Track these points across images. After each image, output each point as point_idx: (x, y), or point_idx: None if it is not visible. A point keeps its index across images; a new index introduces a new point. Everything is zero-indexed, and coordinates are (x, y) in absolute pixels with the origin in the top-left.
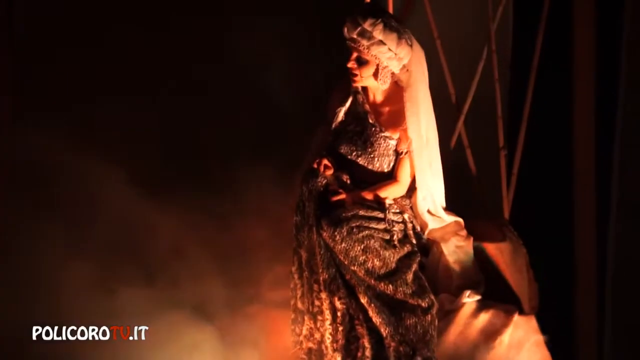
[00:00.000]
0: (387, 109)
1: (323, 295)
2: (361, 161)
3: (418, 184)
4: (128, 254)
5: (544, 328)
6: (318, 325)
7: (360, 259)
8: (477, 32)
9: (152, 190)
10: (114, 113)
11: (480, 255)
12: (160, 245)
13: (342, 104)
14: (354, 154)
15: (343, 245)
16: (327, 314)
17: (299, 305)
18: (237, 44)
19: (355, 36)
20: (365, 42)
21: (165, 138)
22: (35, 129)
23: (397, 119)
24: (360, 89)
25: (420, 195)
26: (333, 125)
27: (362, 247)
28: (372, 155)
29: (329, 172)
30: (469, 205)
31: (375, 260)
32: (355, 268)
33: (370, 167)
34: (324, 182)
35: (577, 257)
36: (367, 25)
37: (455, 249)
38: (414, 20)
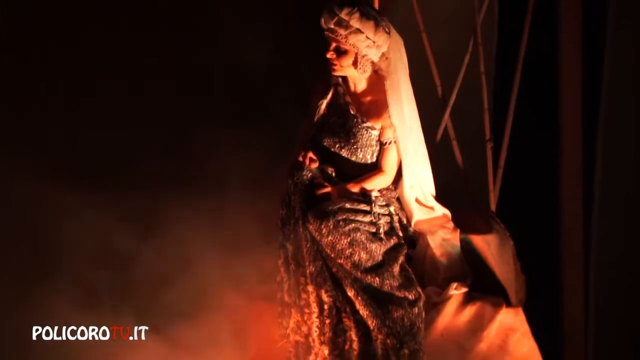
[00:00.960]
0: (368, 99)
1: (310, 288)
2: (344, 153)
3: (404, 172)
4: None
5: (530, 319)
6: (305, 318)
7: (347, 252)
8: (462, 25)
9: (147, 185)
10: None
11: (467, 247)
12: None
13: (324, 96)
14: (337, 146)
15: (329, 238)
16: (314, 307)
17: (286, 298)
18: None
19: (332, 26)
20: (342, 32)
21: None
22: None
23: (378, 109)
24: (340, 80)
25: (406, 183)
26: (315, 118)
27: (348, 240)
28: (355, 147)
29: (314, 165)
30: (456, 197)
31: (362, 253)
32: (342, 261)
33: (353, 158)
34: (309, 175)
35: (564, 249)
36: (343, 15)
37: (442, 242)
38: (400, 13)
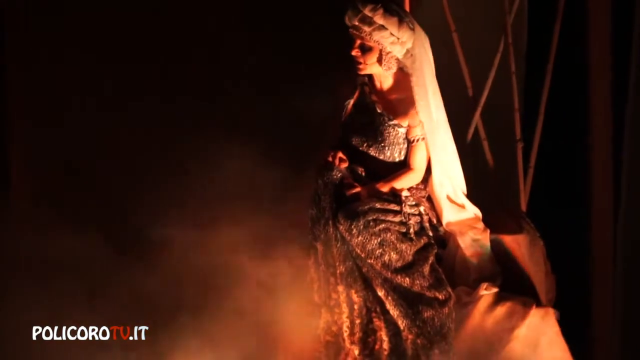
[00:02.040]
0: (394, 97)
1: (340, 288)
2: (372, 152)
3: (434, 169)
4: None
5: (560, 320)
6: (335, 318)
7: (377, 252)
8: (493, 25)
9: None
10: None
11: (497, 247)
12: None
13: (350, 96)
14: (364, 145)
15: (360, 238)
16: (344, 307)
17: (316, 298)
18: None
19: (357, 23)
20: (367, 28)
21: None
22: None
23: (405, 107)
24: (366, 79)
25: (436, 180)
26: (343, 119)
27: (378, 240)
28: (382, 145)
29: (344, 164)
30: (486, 197)
31: (392, 253)
32: (372, 261)
33: (381, 157)
34: (339, 175)
35: (594, 249)
36: (367, 11)
37: (472, 242)
38: (431, 14)
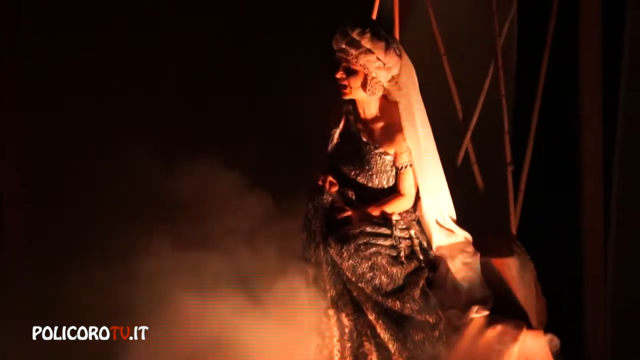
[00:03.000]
0: (379, 124)
1: (330, 312)
2: (361, 180)
3: (422, 194)
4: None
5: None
6: (326, 342)
7: (368, 275)
8: (483, 48)
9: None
10: None
11: (488, 270)
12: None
13: (336, 125)
14: (352, 173)
15: (350, 262)
16: (335, 331)
17: (307, 322)
18: None
19: (344, 46)
20: (353, 51)
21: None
22: None
23: (391, 134)
24: (351, 108)
25: (425, 205)
26: (329, 148)
27: (369, 264)
28: (370, 173)
29: (334, 188)
30: (477, 221)
31: (383, 277)
32: (363, 285)
33: (370, 184)
34: (329, 199)
35: (586, 272)
36: (355, 35)
37: (462, 266)
38: (421, 37)
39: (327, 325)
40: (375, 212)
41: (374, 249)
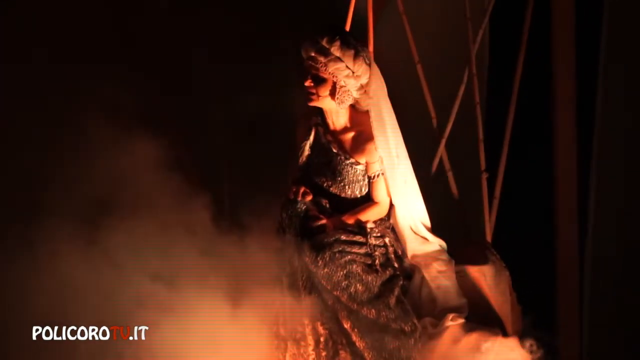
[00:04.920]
0: (349, 135)
1: (305, 320)
2: (334, 190)
3: (395, 202)
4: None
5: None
6: (301, 351)
7: (343, 284)
8: (456, 56)
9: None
10: None
11: (463, 278)
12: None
13: (306, 138)
14: (325, 184)
15: (325, 270)
16: (310, 340)
17: (282, 331)
18: None
19: (313, 54)
20: (322, 59)
21: None
22: None
23: (361, 144)
24: (320, 119)
25: (399, 213)
26: (300, 161)
27: (344, 272)
28: (342, 184)
29: (309, 197)
30: (452, 228)
31: (358, 285)
32: (338, 293)
33: (343, 195)
34: (303, 207)
35: (560, 279)
36: (324, 42)
37: (437, 274)
38: (395, 46)
39: (302, 335)
40: (350, 221)
41: (349, 257)
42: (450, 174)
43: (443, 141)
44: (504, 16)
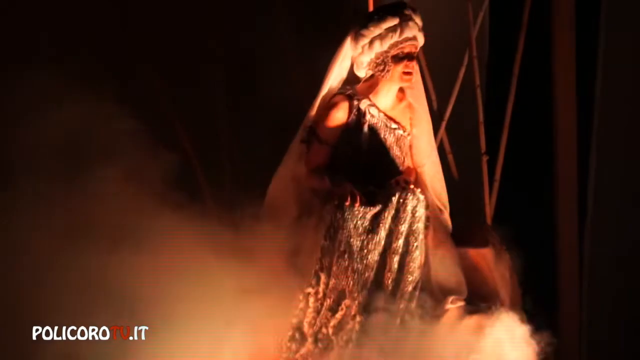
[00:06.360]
0: (395, 110)
1: (359, 318)
2: (401, 165)
3: (425, 169)
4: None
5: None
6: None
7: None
8: (456, 38)
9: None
10: None
11: (463, 261)
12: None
13: (362, 119)
14: (397, 161)
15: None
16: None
17: (305, 328)
18: None
19: (416, 32)
20: (420, 38)
21: None
22: None
23: (404, 116)
24: (370, 100)
25: (427, 176)
26: (331, 142)
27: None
28: (402, 159)
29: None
30: (452, 211)
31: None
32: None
33: (401, 168)
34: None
35: (561, 261)
36: (418, 19)
37: (439, 258)
38: None
39: (326, 336)
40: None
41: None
42: (450, 157)
43: (443, 124)
44: None
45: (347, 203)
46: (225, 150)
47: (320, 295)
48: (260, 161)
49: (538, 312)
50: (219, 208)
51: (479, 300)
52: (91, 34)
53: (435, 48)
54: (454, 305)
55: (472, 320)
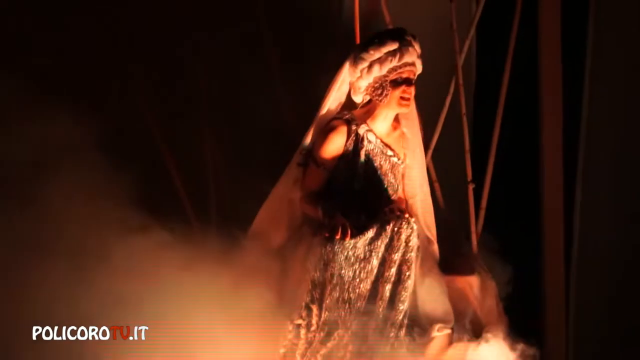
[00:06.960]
0: (391, 137)
1: (351, 347)
2: (393, 196)
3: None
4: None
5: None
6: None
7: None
8: (443, 66)
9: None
10: None
11: (450, 289)
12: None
13: (359, 145)
14: (390, 190)
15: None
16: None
17: (298, 358)
18: None
19: (415, 59)
20: (419, 65)
21: None
22: None
23: (398, 143)
24: (361, 126)
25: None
26: (328, 167)
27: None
28: (396, 186)
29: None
30: (438, 239)
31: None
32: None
33: (393, 197)
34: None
35: (547, 290)
36: (417, 46)
37: (427, 285)
38: None
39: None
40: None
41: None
42: (437, 185)
43: (429, 152)
44: (491, 26)
45: (338, 236)
46: (209, 170)
47: (314, 327)
48: (247, 182)
49: (524, 339)
50: (204, 230)
51: (465, 328)
52: (70, 46)
53: (421, 75)
54: (440, 333)
55: (459, 348)
